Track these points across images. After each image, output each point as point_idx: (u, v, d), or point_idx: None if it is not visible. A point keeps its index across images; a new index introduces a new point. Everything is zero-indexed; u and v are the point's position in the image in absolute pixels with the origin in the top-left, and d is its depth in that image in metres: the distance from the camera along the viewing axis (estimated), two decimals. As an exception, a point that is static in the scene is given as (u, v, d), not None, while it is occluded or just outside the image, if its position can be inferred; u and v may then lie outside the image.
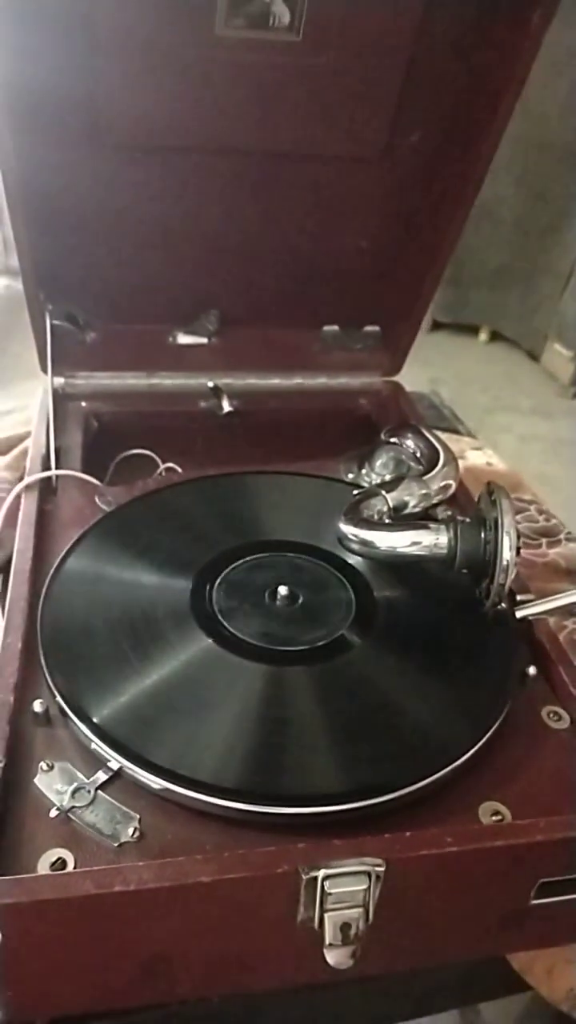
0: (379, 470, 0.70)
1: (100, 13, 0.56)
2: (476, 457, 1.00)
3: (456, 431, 1.05)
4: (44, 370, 0.72)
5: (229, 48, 0.58)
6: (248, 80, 0.61)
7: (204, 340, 0.80)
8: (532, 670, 0.52)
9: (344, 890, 0.39)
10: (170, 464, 0.76)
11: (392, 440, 0.70)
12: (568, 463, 2.25)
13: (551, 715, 0.50)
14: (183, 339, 0.80)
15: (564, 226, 2.47)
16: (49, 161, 0.63)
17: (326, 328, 0.83)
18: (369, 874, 0.39)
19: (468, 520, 0.54)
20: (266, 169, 0.68)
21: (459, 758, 0.44)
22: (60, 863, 0.39)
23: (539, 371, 2.71)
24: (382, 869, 0.39)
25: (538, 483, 0.99)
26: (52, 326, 0.71)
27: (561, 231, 2.48)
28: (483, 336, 2.86)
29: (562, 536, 0.86)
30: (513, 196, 2.49)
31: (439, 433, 0.71)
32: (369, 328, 0.83)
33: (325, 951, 0.40)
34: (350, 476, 0.70)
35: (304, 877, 0.38)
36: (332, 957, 0.40)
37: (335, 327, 0.83)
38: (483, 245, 2.52)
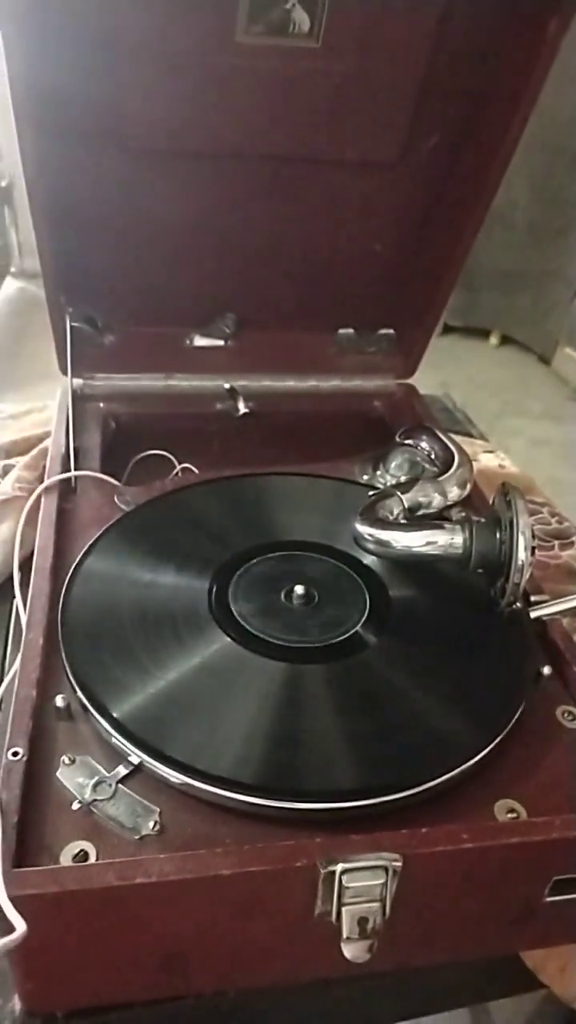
0: (394, 471, 0.70)
1: (121, 19, 0.57)
2: (488, 460, 1.00)
3: (469, 434, 1.06)
4: (64, 372, 0.73)
5: (249, 54, 0.59)
6: (267, 86, 0.62)
7: (220, 342, 0.81)
8: (547, 670, 0.52)
9: (362, 884, 0.39)
10: (186, 465, 0.77)
11: (407, 442, 0.71)
12: (579, 467, 2.25)
13: (566, 714, 0.51)
14: (200, 341, 0.81)
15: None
16: (71, 166, 0.64)
17: (341, 331, 0.83)
18: (386, 868, 0.39)
19: (483, 520, 0.55)
20: (283, 174, 0.69)
21: (474, 756, 0.45)
22: (82, 855, 0.40)
23: (550, 375, 2.71)
24: (399, 864, 0.39)
25: (549, 487, 0.99)
26: (71, 328, 0.72)
27: (572, 235, 2.48)
28: (494, 340, 2.86)
29: (574, 539, 0.86)
30: (526, 200, 2.49)
31: (453, 435, 0.72)
32: (383, 331, 0.83)
33: (342, 944, 0.41)
34: (365, 477, 0.71)
35: (322, 871, 0.39)
36: (349, 951, 0.41)
37: (350, 330, 0.83)
38: (495, 249, 2.52)
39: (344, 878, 0.39)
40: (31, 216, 0.62)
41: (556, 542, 0.85)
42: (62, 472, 0.65)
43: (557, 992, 0.52)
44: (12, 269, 2.83)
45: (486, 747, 0.46)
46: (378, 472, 0.71)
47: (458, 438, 0.79)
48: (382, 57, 0.61)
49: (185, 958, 0.42)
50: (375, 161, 0.69)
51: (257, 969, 0.45)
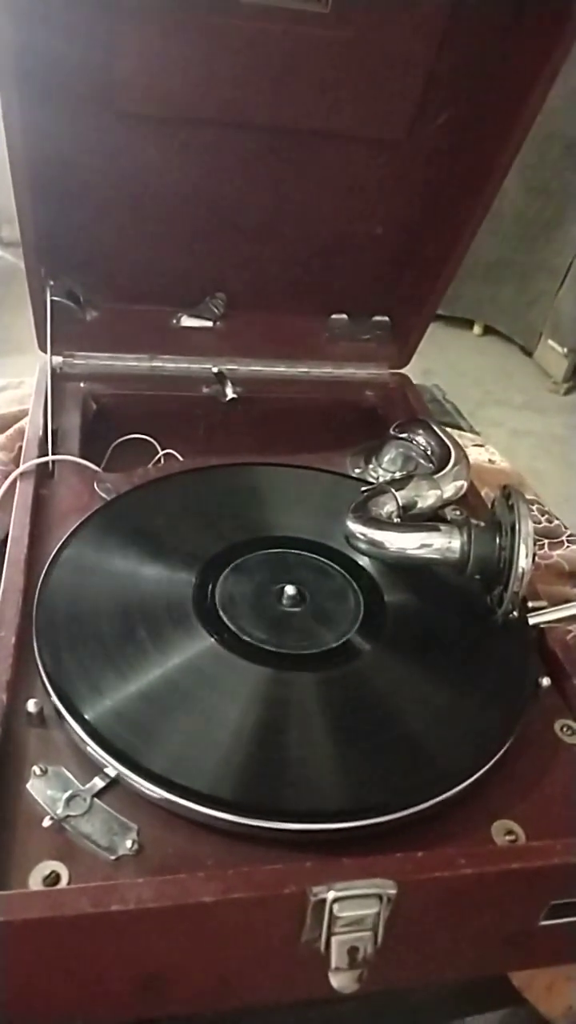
0: (387, 466, 0.68)
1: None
2: (478, 454, 0.98)
3: (458, 427, 1.03)
4: (43, 348, 0.69)
5: (252, 16, 0.55)
6: (270, 51, 0.58)
7: (209, 324, 0.77)
8: (546, 681, 0.50)
9: (354, 913, 0.37)
10: (169, 450, 0.74)
11: (401, 435, 0.68)
12: (559, 460, 2.24)
13: (564, 729, 0.48)
14: (187, 322, 0.77)
15: (565, 221, 2.44)
16: (57, 129, 0.60)
17: (334, 316, 0.80)
18: (380, 896, 0.37)
19: (482, 524, 0.52)
20: (282, 146, 0.66)
21: (472, 775, 0.43)
22: (53, 877, 0.37)
23: (532, 366, 2.70)
24: (394, 892, 0.37)
25: (529, 479, 0.98)
26: (52, 303, 0.68)
27: (561, 226, 2.46)
28: (477, 330, 2.84)
29: (564, 538, 0.85)
30: (514, 189, 2.46)
31: (450, 430, 0.69)
32: (378, 318, 0.80)
33: (330, 974, 0.38)
34: (356, 471, 0.68)
35: (312, 899, 0.36)
36: (337, 981, 0.39)
37: (343, 316, 0.80)
38: (480, 238, 2.46)
39: (335, 906, 0.36)
40: (12, 182, 0.58)
41: (546, 541, 0.83)
42: (39, 456, 0.61)
43: (542, 1011, 0.51)
44: (-12, 237, 2.74)
45: (484, 765, 0.43)
46: (370, 466, 0.68)
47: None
48: (394, 26, 0.57)
49: (163, 981, 0.40)
50: (381, 137, 0.65)
51: (238, 992, 0.42)
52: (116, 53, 0.58)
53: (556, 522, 0.87)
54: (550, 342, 2.59)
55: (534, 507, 0.88)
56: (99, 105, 0.60)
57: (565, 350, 2.52)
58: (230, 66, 0.58)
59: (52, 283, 0.68)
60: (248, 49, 0.57)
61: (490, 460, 0.97)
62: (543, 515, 0.87)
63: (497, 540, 0.50)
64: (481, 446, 1.01)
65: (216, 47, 0.57)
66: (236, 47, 0.57)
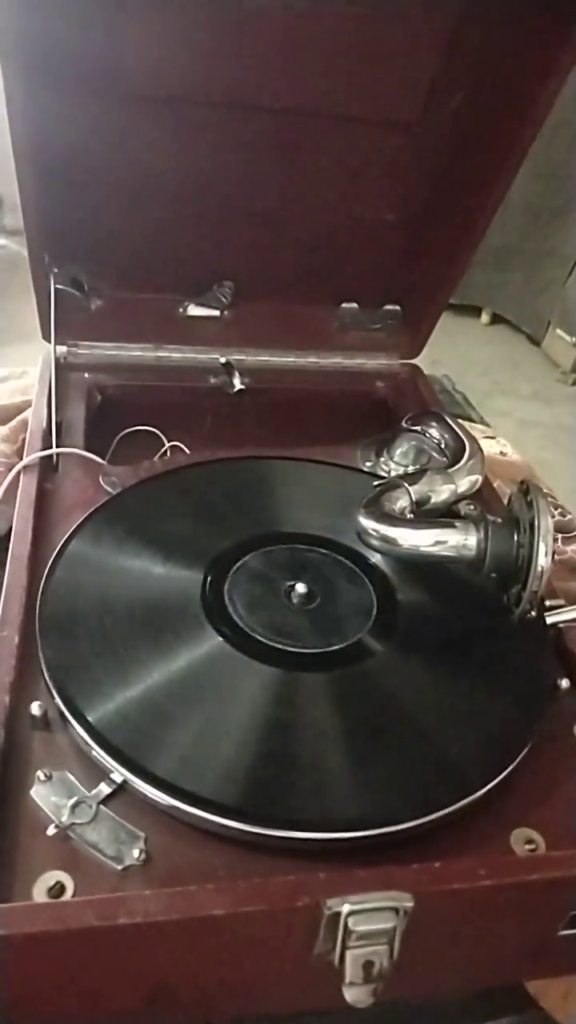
0: (399, 459, 0.66)
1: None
2: (489, 446, 0.96)
3: (469, 418, 1.02)
4: (46, 338, 0.67)
5: (262, -7, 0.53)
6: (278, 29, 0.56)
7: (216, 313, 0.75)
8: (564, 683, 0.48)
9: (369, 927, 0.35)
10: (175, 443, 0.72)
11: (414, 428, 0.66)
12: (567, 450, 2.22)
13: (584, 733, 0.47)
14: (194, 311, 0.75)
15: (573, 209, 2.42)
16: (61, 114, 0.58)
17: (344, 305, 0.78)
18: (397, 910, 0.35)
19: (499, 521, 0.50)
20: (291, 129, 0.63)
21: (491, 781, 0.41)
22: (58, 888, 0.36)
23: (540, 356, 2.67)
24: (411, 905, 0.36)
25: (537, 470, 0.96)
26: (56, 291, 0.66)
27: (570, 214, 2.43)
28: (485, 318, 2.81)
29: (577, 533, 0.83)
30: (522, 175, 2.41)
31: (461, 422, 0.67)
32: (389, 307, 0.78)
33: (344, 988, 0.37)
34: (368, 464, 0.67)
35: (326, 912, 0.35)
36: (351, 995, 0.37)
37: (354, 304, 0.78)
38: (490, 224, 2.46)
39: (350, 920, 0.35)
40: (15, 167, 0.56)
41: (560, 536, 0.81)
42: (43, 448, 0.59)
43: (559, 1019, 0.50)
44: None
45: (502, 771, 0.42)
46: (381, 459, 0.67)
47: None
48: (409, 2, 0.55)
49: (170, 993, 0.39)
50: (394, 119, 0.63)
51: (246, 1003, 0.41)
52: (121, 33, 0.55)
53: (569, 516, 0.85)
54: (558, 331, 2.57)
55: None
56: (104, 88, 0.58)
57: (573, 339, 2.49)
58: (237, 44, 0.56)
59: (56, 271, 0.66)
60: (258, 27, 0.55)
61: (501, 452, 0.96)
62: (556, 509, 0.86)
63: (515, 537, 0.49)
64: (492, 438, 0.99)
65: (225, 25, 0.55)
66: (244, 24, 0.55)
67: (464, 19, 0.57)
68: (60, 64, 0.55)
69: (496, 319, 2.80)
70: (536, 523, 0.48)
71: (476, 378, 2.47)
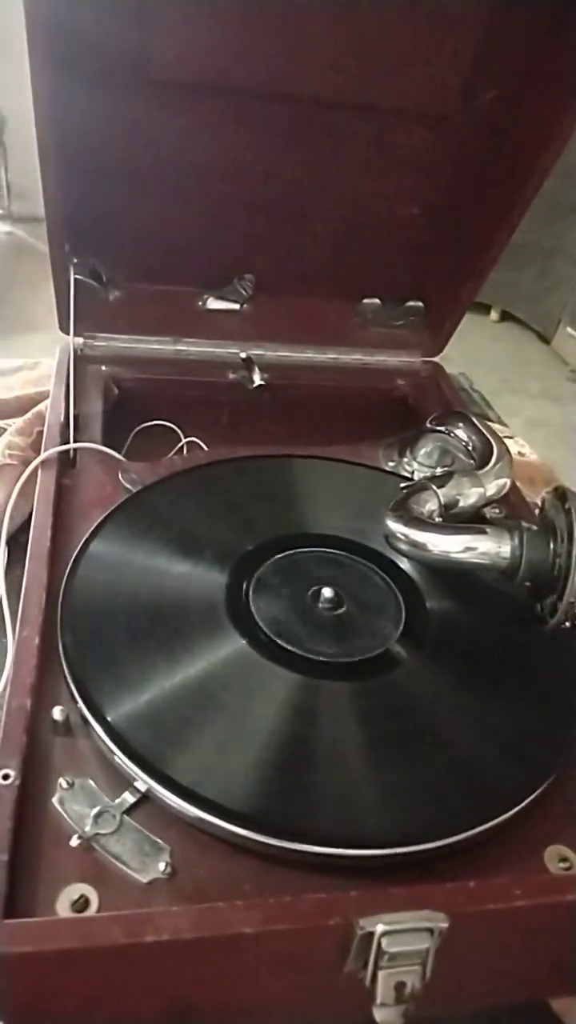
0: (422, 459, 0.65)
1: None
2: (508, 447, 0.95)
3: (487, 418, 1.00)
4: (64, 330, 0.66)
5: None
6: (310, 17, 0.54)
7: (236, 306, 0.74)
8: (598, 696, 0.47)
9: (403, 948, 0.34)
10: (193, 438, 0.71)
11: (439, 428, 0.65)
12: (575, 450, 2.21)
13: (616, 747, 0.46)
14: (213, 304, 0.74)
15: (587, 206, 2.40)
16: (85, 102, 0.56)
17: (366, 301, 0.77)
18: (431, 930, 0.34)
19: (535, 528, 0.49)
20: (318, 120, 0.62)
21: (526, 797, 0.40)
22: (83, 902, 0.35)
23: (549, 354, 2.66)
24: (446, 925, 0.34)
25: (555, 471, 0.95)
26: (75, 281, 0.65)
27: (585, 211, 2.41)
28: (494, 315, 2.79)
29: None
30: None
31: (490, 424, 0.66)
32: (412, 303, 0.77)
33: (374, 1009, 0.36)
34: (390, 464, 0.65)
35: (359, 932, 0.34)
36: (381, 1015, 0.36)
37: (376, 300, 0.77)
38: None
39: (383, 940, 0.34)
40: (39, 158, 0.55)
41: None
42: (61, 443, 0.58)
43: (582, 1037, 0.49)
44: (-1, 211, 2.69)
45: (538, 787, 0.41)
46: (404, 459, 0.65)
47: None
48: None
49: (195, 1008, 0.37)
50: (424, 112, 0.61)
51: (273, 1020, 0.40)
52: (148, 19, 0.54)
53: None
54: (568, 329, 2.55)
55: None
56: (131, 78, 0.56)
57: (585, 338, 2.48)
58: (267, 32, 0.54)
59: (76, 261, 0.65)
60: (288, 14, 0.54)
61: (519, 453, 0.94)
62: (575, 512, 0.84)
63: (551, 545, 0.47)
64: (510, 438, 0.97)
65: (253, 11, 0.53)
66: (274, 10, 0.53)
67: (500, 13, 0.55)
68: (86, 53, 0.54)
69: (505, 316, 2.78)
70: (574, 532, 0.46)
71: (484, 376, 2.44)
